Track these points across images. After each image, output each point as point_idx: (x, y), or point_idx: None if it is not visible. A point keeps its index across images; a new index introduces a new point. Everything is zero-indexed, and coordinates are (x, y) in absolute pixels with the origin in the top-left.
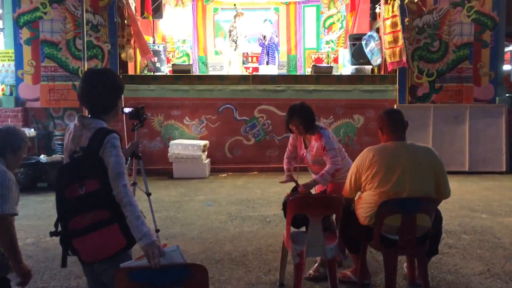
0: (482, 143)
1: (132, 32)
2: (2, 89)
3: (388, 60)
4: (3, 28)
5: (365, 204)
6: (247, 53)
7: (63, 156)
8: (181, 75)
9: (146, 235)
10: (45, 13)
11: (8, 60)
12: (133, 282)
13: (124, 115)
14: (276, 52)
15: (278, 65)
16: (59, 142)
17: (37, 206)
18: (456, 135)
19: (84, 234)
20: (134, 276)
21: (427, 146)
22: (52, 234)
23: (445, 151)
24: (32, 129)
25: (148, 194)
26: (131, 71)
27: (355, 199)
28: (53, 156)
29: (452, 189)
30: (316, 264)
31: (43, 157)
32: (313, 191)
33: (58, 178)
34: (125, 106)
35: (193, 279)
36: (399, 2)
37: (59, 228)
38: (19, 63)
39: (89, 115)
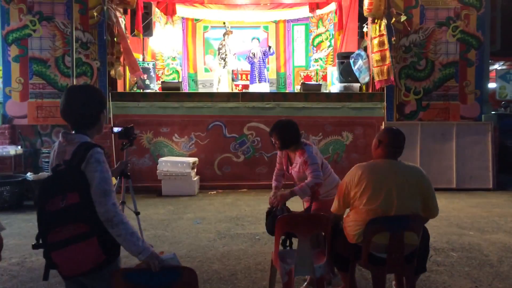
0: (469, 160)
1: (121, 49)
2: None
3: (376, 78)
4: None
5: (353, 222)
6: (237, 70)
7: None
8: (171, 92)
9: (144, 249)
10: (34, 31)
11: None
12: (128, 283)
13: (113, 134)
14: (265, 69)
15: (268, 81)
16: (46, 160)
17: (23, 225)
18: (444, 152)
19: (62, 247)
20: (129, 277)
21: (415, 165)
22: (34, 246)
23: (433, 168)
24: (19, 147)
25: (137, 213)
26: (120, 89)
27: (344, 216)
28: (40, 174)
29: (440, 206)
30: (305, 283)
31: (29, 175)
32: (300, 207)
33: (40, 191)
34: (114, 126)
35: (183, 281)
36: (385, 21)
37: (41, 241)
38: (7, 80)
39: (73, 131)
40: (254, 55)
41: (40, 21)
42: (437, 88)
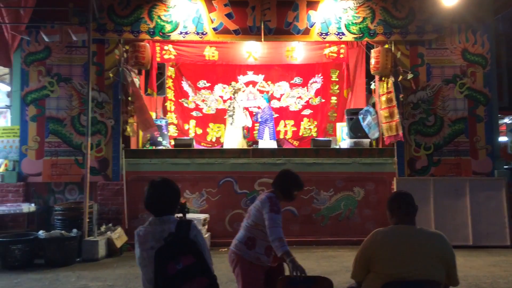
0: (484, 217)
1: (135, 108)
2: (5, 165)
3: (385, 134)
4: (11, 106)
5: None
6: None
7: (63, 232)
8: (182, 149)
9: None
10: (52, 91)
11: (13, 136)
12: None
13: None
14: (267, 127)
15: (274, 138)
16: (59, 217)
17: (33, 285)
18: (458, 209)
19: None
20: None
21: (438, 232)
22: None
23: (448, 225)
24: (33, 204)
25: None
26: (133, 146)
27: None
28: (52, 232)
29: (458, 264)
30: None
31: (41, 233)
32: None
33: (158, 258)
34: (127, 182)
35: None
36: (393, 79)
37: None
38: (24, 139)
39: (156, 216)
40: (261, 111)
41: (58, 82)
42: (447, 144)
